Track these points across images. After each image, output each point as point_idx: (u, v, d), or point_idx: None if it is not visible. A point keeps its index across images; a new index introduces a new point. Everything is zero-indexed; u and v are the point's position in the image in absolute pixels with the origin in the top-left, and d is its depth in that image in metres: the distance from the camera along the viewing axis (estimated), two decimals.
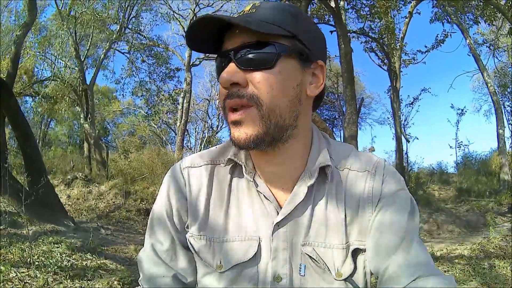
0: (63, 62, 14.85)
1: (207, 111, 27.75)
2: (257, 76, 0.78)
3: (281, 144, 0.82)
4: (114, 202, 10.66)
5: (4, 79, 7.10)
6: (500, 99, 14.94)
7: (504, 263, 5.22)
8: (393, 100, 14.96)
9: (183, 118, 18.43)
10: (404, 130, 16.20)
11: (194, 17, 18.90)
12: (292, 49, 0.80)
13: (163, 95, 19.39)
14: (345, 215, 0.86)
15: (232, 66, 0.78)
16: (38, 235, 5.66)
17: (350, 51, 9.12)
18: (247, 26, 0.74)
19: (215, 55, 0.86)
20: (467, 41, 13.01)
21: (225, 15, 0.77)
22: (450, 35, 12.82)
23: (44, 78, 15.15)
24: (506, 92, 17.93)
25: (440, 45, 13.60)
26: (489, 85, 12.98)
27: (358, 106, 11.01)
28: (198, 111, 27.56)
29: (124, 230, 8.56)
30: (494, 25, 11.96)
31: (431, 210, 9.90)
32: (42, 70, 15.88)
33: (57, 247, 5.32)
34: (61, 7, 13.82)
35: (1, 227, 5.89)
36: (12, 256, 4.58)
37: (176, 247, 0.93)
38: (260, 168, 0.90)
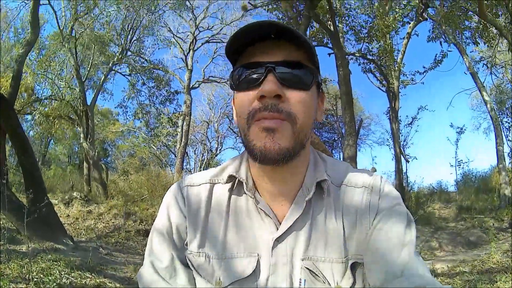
0: (63, 83, 14.96)
1: (206, 133, 27.79)
2: (297, 95, 0.82)
3: (290, 161, 0.84)
4: (113, 222, 10.60)
5: (6, 95, 7.17)
6: (498, 115, 14.98)
7: (505, 277, 5.18)
8: (392, 121, 15.01)
9: (183, 140, 18.40)
10: (404, 151, 16.18)
11: (194, 40, 19.15)
12: (317, 76, 0.88)
13: (162, 118, 19.47)
14: (344, 229, 0.88)
15: (273, 79, 0.80)
16: (37, 252, 5.63)
17: (349, 73, 9.23)
18: (308, 46, 0.82)
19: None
20: (465, 59, 13.16)
21: (288, 25, 0.82)
22: (446, 54, 12.98)
23: (44, 97, 15.14)
24: (504, 109, 18.01)
25: (438, 65, 13.77)
26: (487, 102, 13.06)
27: (357, 127, 11.06)
28: (197, 134, 27.61)
29: (124, 251, 8.47)
30: (492, 45, 12.10)
31: (432, 229, 9.85)
32: (43, 89, 15.93)
33: (56, 265, 5.29)
34: (63, 28, 13.97)
35: (0, 242, 5.87)
36: (10, 272, 4.56)
37: (176, 264, 0.93)
38: (261, 186, 0.92)
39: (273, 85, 0.79)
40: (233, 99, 0.92)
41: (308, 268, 0.85)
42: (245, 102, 0.83)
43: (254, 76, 0.82)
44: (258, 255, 0.87)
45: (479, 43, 12.27)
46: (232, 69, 0.90)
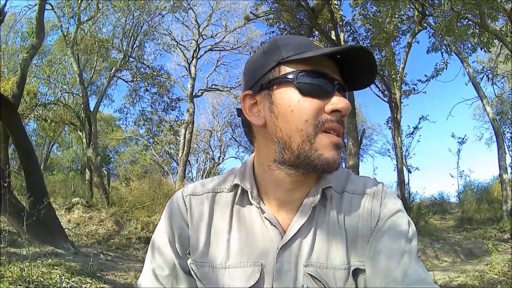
0: (67, 87, 15.03)
1: (209, 142, 27.76)
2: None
3: None
4: (114, 229, 10.62)
5: (10, 99, 7.21)
6: (500, 125, 14.93)
7: (508, 287, 5.14)
8: (394, 131, 14.96)
9: (185, 149, 18.35)
10: (405, 161, 16.10)
11: (197, 48, 19.24)
12: None
13: (164, 125, 19.44)
14: (346, 236, 0.89)
15: (345, 97, 0.87)
16: (37, 256, 5.61)
17: None
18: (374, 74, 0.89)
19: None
20: (467, 69, 13.16)
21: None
22: (447, 65, 12.93)
23: (47, 101, 15.13)
24: (506, 119, 17.94)
25: (440, 74, 13.72)
26: (489, 113, 13.05)
27: (359, 137, 11.03)
28: (199, 142, 27.59)
29: (124, 257, 8.46)
30: (490, 51, 12.07)
31: (432, 240, 9.80)
32: (46, 95, 15.96)
33: (56, 269, 5.28)
34: (66, 33, 13.99)
35: (1, 245, 5.87)
36: (10, 274, 4.55)
37: (178, 272, 0.94)
38: (267, 194, 0.92)
39: (348, 103, 0.83)
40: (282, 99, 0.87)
41: (310, 274, 0.85)
42: (312, 108, 0.83)
43: (325, 87, 0.84)
44: (262, 264, 0.88)
45: (477, 49, 12.26)
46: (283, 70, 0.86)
